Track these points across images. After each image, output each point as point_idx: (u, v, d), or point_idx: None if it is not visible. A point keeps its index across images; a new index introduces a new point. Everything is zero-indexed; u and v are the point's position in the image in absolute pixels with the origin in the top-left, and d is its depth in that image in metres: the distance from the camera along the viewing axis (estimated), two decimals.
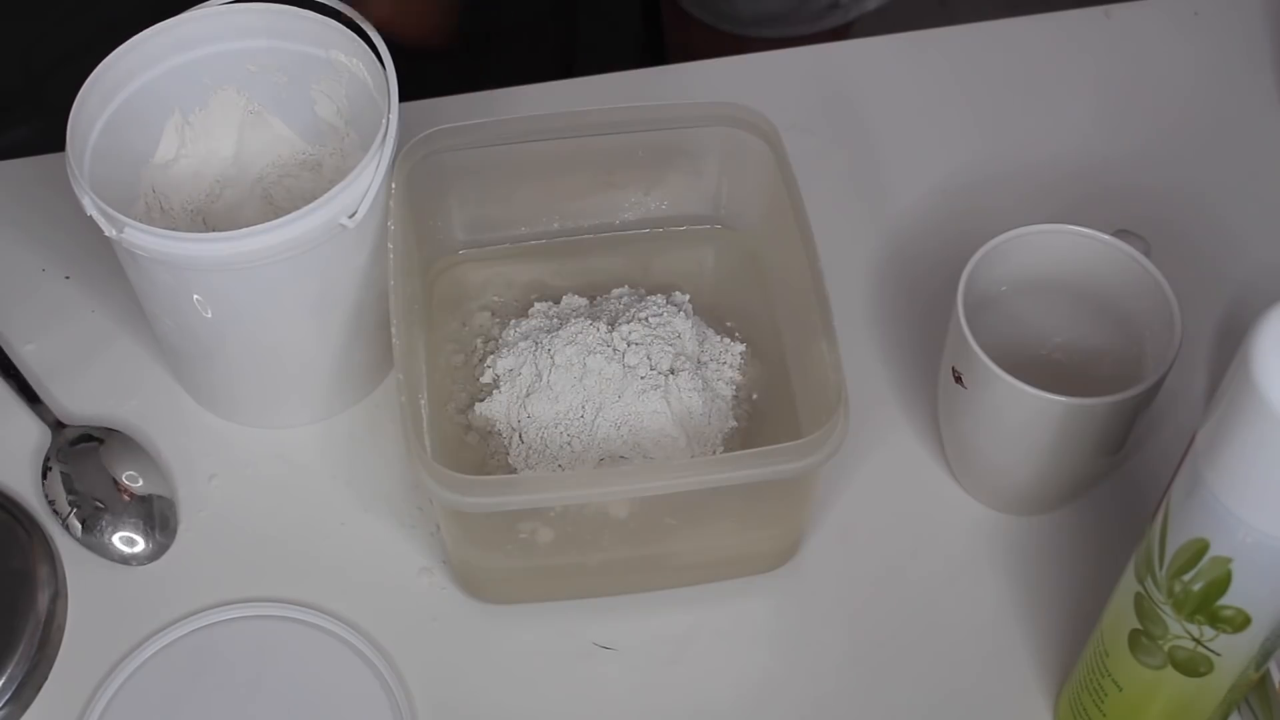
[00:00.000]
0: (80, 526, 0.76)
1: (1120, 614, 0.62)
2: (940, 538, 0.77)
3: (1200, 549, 0.56)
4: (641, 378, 0.73)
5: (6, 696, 0.71)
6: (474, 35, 1.04)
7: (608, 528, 0.73)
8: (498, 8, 1.09)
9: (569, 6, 1.17)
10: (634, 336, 0.75)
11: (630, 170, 0.80)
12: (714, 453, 0.74)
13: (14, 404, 0.80)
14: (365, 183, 0.71)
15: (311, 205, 0.70)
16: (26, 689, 0.72)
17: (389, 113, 0.72)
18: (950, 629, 0.74)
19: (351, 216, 0.71)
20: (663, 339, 0.75)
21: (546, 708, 0.73)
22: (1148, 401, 0.70)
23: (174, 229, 0.71)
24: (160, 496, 0.77)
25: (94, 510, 0.76)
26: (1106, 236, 0.74)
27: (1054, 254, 0.74)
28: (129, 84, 0.76)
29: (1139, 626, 0.61)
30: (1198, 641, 0.59)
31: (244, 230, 0.69)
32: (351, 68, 0.76)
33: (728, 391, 0.76)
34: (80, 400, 0.81)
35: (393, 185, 0.74)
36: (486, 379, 0.77)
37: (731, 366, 0.77)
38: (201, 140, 0.80)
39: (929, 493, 0.78)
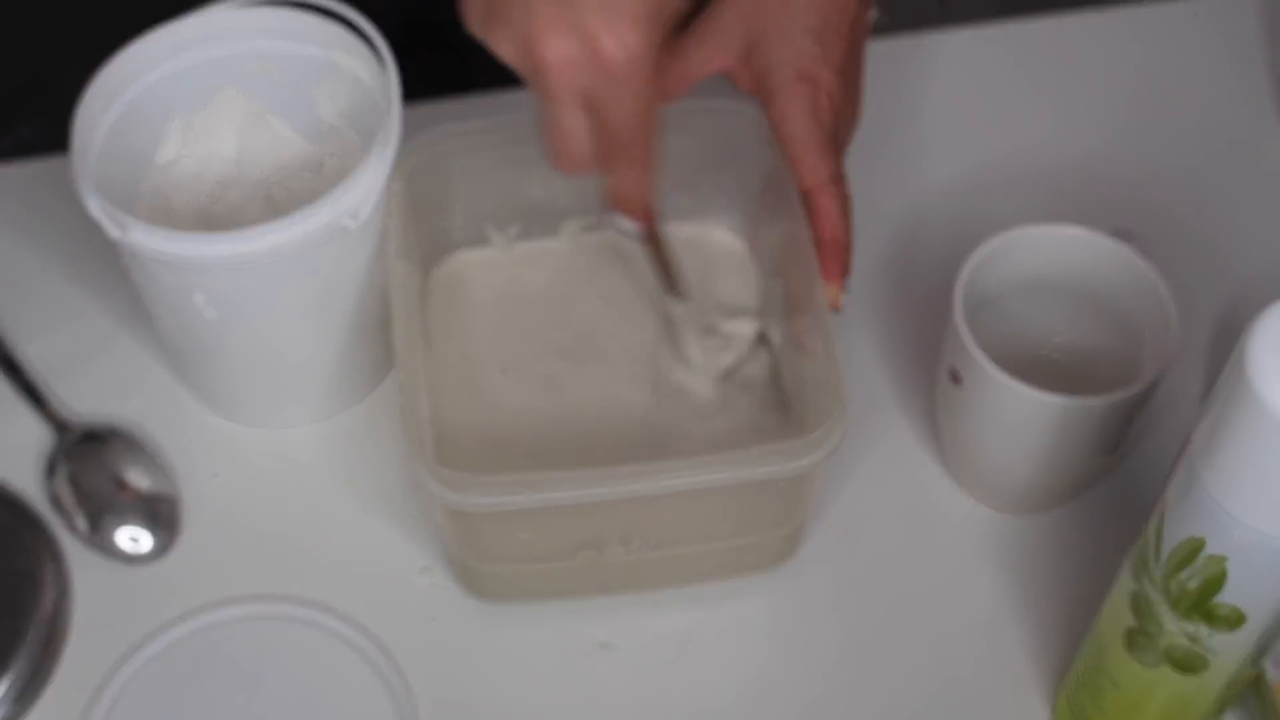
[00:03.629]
0: (85, 525, 0.76)
1: (1117, 612, 0.62)
2: (939, 537, 0.77)
3: (1196, 548, 0.56)
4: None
5: (12, 695, 0.72)
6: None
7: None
8: None
9: None
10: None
11: None
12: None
13: (18, 404, 0.81)
14: (367, 184, 0.72)
15: (314, 206, 0.70)
16: (32, 687, 0.72)
17: (391, 114, 0.73)
18: (948, 628, 0.75)
19: (354, 218, 0.71)
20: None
21: (547, 706, 0.73)
22: (1145, 401, 0.70)
23: (176, 230, 0.71)
24: (164, 495, 0.77)
25: (98, 509, 0.76)
26: (1105, 236, 0.74)
27: (1052, 254, 0.74)
28: (133, 85, 0.76)
29: (1135, 625, 0.61)
30: (1193, 640, 0.59)
31: (247, 231, 0.69)
32: (352, 69, 0.77)
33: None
34: (83, 400, 0.81)
35: (394, 186, 0.74)
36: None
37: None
38: (203, 141, 0.80)
39: (927, 492, 0.78)
